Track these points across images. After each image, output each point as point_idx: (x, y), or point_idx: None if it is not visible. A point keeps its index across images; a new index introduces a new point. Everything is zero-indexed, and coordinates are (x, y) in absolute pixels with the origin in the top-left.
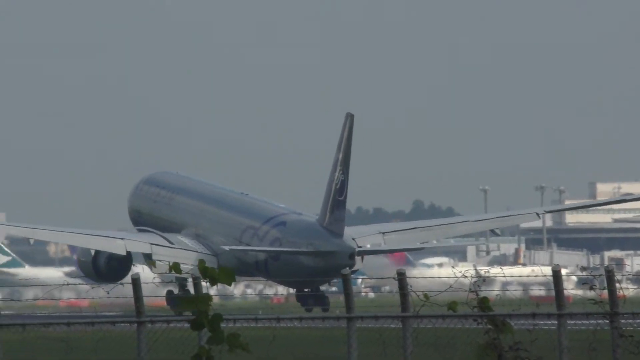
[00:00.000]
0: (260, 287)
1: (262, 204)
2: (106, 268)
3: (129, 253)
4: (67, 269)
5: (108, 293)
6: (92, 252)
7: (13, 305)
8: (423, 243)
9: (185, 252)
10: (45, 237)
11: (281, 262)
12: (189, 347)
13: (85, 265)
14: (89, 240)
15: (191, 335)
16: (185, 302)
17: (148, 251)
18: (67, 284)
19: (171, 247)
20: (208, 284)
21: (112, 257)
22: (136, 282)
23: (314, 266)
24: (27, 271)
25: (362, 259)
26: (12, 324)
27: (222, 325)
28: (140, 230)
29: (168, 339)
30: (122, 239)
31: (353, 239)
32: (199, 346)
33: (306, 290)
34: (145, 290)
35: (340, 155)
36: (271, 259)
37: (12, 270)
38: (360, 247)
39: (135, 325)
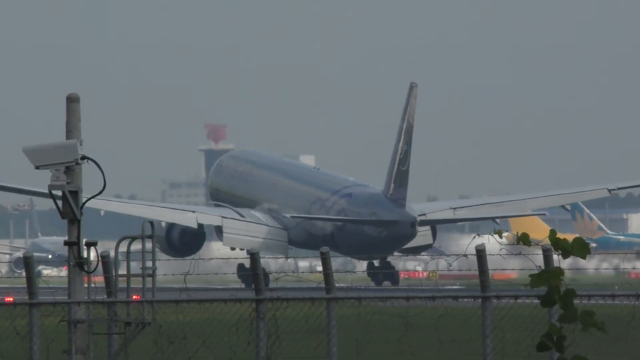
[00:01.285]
0: (616, 261)
1: (331, 177)
2: (179, 242)
3: (201, 227)
4: None
5: (450, 265)
6: (163, 225)
7: (346, 278)
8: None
9: (255, 226)
10: (116, 208)
11: (346, 233)
12: (538, 325)
13: (158, 239)
14: (160, 213)
15: (540, 313)
16: (536, 277)
17: (219, 223)
18: (407, 255)
19: (242, 220)
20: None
21: (185, 232)
22: (481, 254)
23: (377, 236)
24: None
25: (435, 235)
26: (347, 297)
27: (576, 301)
28: (215, 206)
29: (515, 316)
30: (193, 211)
31: (424, 214)
32: (549, 324)
33: (375, 262)
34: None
35: (404, 125)
36: (337, 230)
37: None
38: (423, 216)
39: (480, 300)
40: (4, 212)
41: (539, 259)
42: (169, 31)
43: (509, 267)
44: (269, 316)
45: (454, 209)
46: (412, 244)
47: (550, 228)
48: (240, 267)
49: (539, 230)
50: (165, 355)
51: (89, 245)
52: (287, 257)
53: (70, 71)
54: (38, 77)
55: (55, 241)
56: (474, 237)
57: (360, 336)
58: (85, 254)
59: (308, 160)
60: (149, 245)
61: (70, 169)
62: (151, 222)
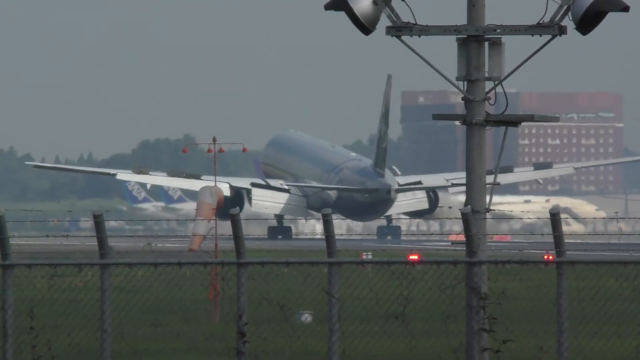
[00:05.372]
0: None
1: (338, 154)
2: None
3: (237, 194)
4: None
5: None
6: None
7: None
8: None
9: (278, 193)
10: (158, 182)
11: (342, 199)
12: None
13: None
14: (195, 184)
15: None
16: None
17: (248, 187)
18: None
19: (267, 188)
20: None
21: (225, 199)
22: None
23: (363, 201)
24: None
25: (436, 203)
26: None
27: None
28: (266, 177)
29: None
30: (227, 183)
31: (419, 182)
32: None
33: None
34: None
35: (383, 110)
36: (337, 196)
37: None
38: (400, 185)
39: None
40: None
41: None
42: None
43: None
44: None
45: (447, 180)
46: (410, 208)
47: None
48: (270, 228)
49: None
50: None
51: None
52: (306, 219)
53: None
54: None
55: None
56: None
57: None
58: None
59: None
60: None
61: None
62: None
